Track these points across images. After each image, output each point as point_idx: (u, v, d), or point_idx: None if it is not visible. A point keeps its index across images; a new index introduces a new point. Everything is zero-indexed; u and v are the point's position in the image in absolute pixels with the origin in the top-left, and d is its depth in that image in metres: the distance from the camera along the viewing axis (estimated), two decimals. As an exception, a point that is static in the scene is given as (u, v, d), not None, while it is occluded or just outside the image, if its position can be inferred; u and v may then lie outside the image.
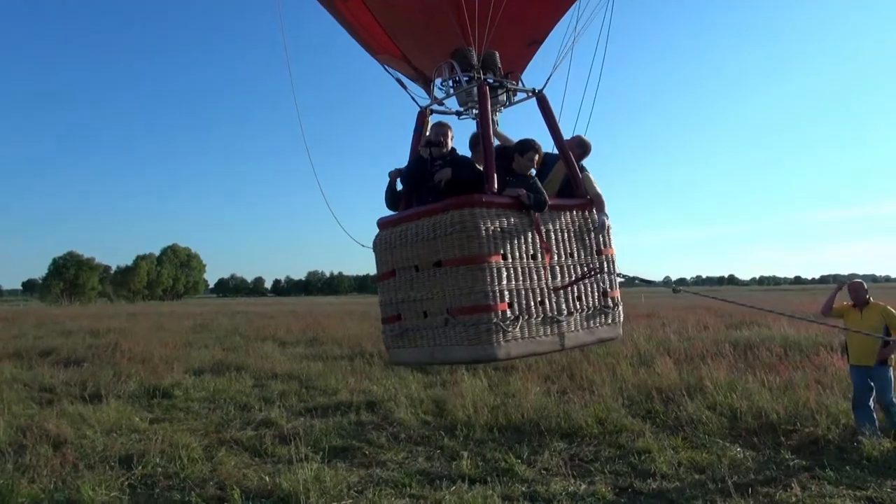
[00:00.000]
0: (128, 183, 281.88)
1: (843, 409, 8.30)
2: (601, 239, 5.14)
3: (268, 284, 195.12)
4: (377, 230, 5.10)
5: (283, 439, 8.40)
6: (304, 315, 37.26)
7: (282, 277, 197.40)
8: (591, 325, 4.98)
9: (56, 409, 10.15)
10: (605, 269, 5.13)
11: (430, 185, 4.85)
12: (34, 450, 7.53)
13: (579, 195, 5.16)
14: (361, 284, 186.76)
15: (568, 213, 4.96)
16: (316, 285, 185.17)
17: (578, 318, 4.86)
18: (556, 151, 5.38)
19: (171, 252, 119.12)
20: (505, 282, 4.40)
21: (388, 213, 5.19)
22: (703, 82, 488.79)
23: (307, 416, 10.00)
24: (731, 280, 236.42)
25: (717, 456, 7.34)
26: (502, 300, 4.36)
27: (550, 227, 4.80)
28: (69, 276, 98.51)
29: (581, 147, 5.50)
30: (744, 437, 8.01)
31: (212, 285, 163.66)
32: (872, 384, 7.72)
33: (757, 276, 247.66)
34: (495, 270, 4.36)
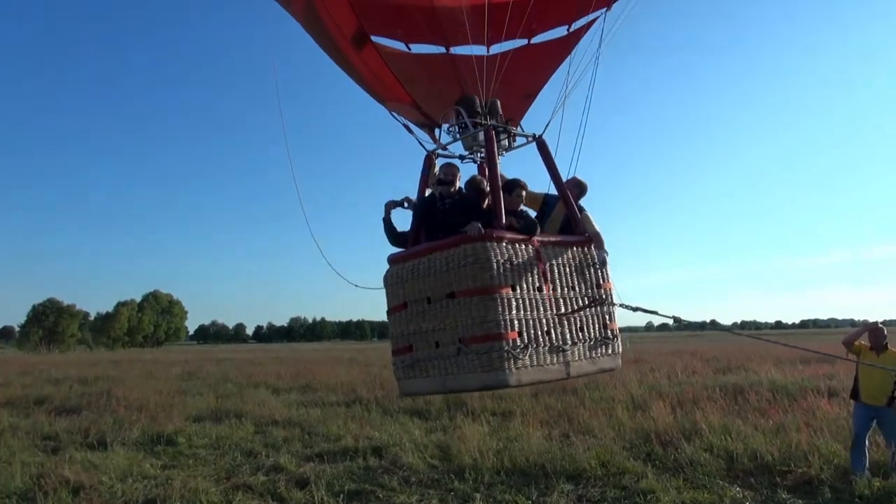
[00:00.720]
0: (108, 228, 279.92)
1: (834, 451, 8.69)
2: (601, 274, 5.44)
3: (249, 331, 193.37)
4: (388, 266, 5.38)
5: (296, 484, 8.59)
6: (291, 362, 37.20)
7: (263, 323, 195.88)
8: (594, 355, 5.24)
9: (64, 457, 10.23)
10: (607, 300, 5.41)
11: (440, 222, 5.21)
12: (55, 496, 7.67)
13: (579, 233, 5.50)
14: (344, 330, 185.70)
15: (569, 250, 5.29)
16: (298, 331, 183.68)
17: (582, 348, 5.12)
18: (555, 192, 5.74)
19: (152, 298, 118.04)
20: (515, 312, 4.65)
21: (392, 248, 5.54)
22: (688, 133, 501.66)
23: (315, 461, 10.18)
24: (714, 324, 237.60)
25: (718, 496, 7.66)
26: (513, 329, 4.60)
27: (553, 262, 5.08)
28: (48, 323, 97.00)
29: (578, 187, 5.87)
30: (741, 477, 8.36)
31: (192, 332, 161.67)
32: (876, 424, 8.13)
33: (738, 321, 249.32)
34: (506, 301, 4.62)
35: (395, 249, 5.52)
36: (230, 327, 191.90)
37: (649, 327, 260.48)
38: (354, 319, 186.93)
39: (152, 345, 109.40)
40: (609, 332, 5.41)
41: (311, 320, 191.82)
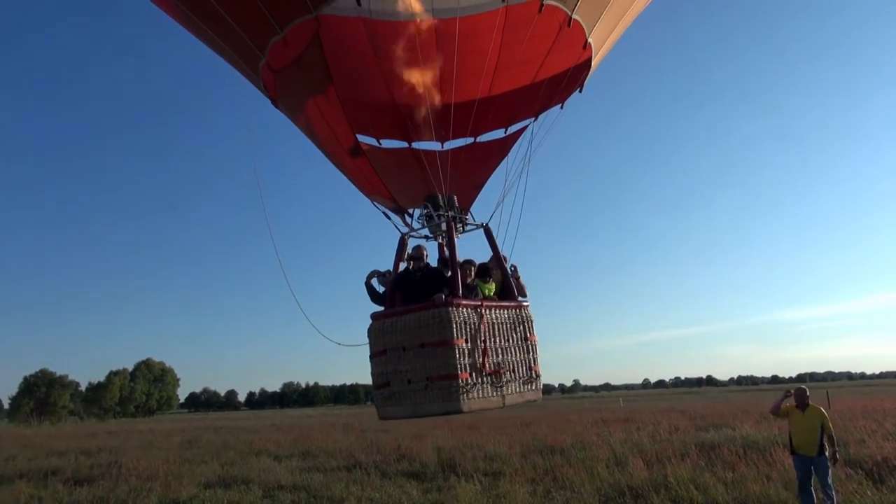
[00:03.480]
0: (96, 297, 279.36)
1: (783, 498, 9.83)
2: (528, 328, 7.03)
3: (241, 397, 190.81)
4: (371, 321, 6.79)
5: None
6: (288, 429, 37.69)
7: (256, 390, 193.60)
8: (522, 390, 6.81)
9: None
10: (531, 350, 7.01)
11: (413, 289, 6.74)
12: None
13: (512, 298, 7.11)
14: (338, 394, 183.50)
15: (506, 311, 6.85)
16: (291, 397, 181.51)
17: (514, 385, 6.69)
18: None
19: (144, 367, 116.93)
20: (467, 358, 6.18)
21: (373, 306, 6.99)
22: (672, 183, 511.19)
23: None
24: (710, 381, 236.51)
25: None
26: (464, 371, 6.11)
27: (494, 319, 6.63)
28: (40, 394, 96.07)
29: (506, 262, 7.50)
30: (701, 524, 9.45)
31: (182, 399, 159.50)
32: (813, 471, 9.31)
33: (735, 376, 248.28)
34: (461, 350, 6.13)
35: (374, 307, 7.00)
36: (222, 394, 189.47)
37: (646, 384, 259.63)
38: (348, 383, 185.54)
39: (144, 414, 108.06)
40: (534, 373, 6.98)
41: (304, 385, 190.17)
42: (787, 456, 13.43)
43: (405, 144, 7.74)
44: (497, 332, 6.63)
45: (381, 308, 6.94)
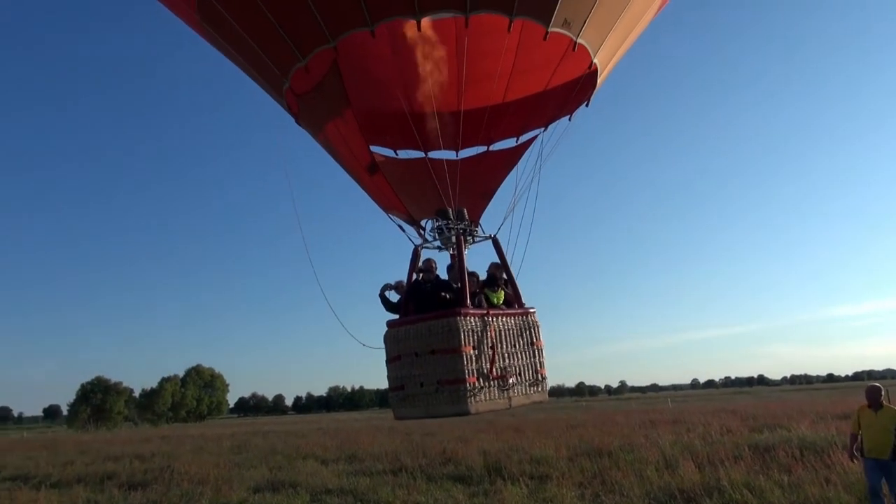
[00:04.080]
0: (148, 306, 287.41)
1: (845, 502, 9.41)
2: (535, 334, 7.37)
3: (288, 401, 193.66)
4: (386, 328, 7.22)
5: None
6: (334, 432, 38.00)
7: (302, 394, 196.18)
8: (528, 392, 7.17)
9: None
10: (537, 355, 7.34)
11: (423, 299, 7.24)
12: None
13: (520, 305, 7.51)
14: (383, 398, 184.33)
15: (512, 318, 7.23)
16: (337, 401, 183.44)
17: (520, 387, 7.05)
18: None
19: (195, 373, 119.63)
20: (474, 364, 6.59)
21: (388, 314, 7.41)
22: (724, 176, 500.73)
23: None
24: (761, 380, 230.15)
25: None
26: (472, 375, 6.53)
27: (501, 328, 6.99)
28: (96, 400, 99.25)
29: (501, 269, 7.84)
30: (758, 529, 9.13)
31: (231, 404, 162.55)
32: (885, 476, 8.87)
33: (788, 375, 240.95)
34: (469, 356, 6.56)
35: (390, 315, 7.44)
36: (269, 399, 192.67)
37: (695, 384, 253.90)
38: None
39: (195, 419, 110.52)
40: (540, 375, 7.34)
41: (349, 389, 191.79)
42: (847, 458, 12.99)
43: (421, 154, 8.06)
44: (504, 339, 7.03)
45: (396, 316, 7.41)
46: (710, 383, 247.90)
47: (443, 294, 7.23)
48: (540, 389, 7.33)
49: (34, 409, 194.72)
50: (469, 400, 6.45)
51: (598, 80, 8.14)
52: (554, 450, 18.59)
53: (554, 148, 8.34)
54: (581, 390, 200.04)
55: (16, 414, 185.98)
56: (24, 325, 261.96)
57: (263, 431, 45.66)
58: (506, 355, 6.99)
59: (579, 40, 7.39)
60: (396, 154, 8.30)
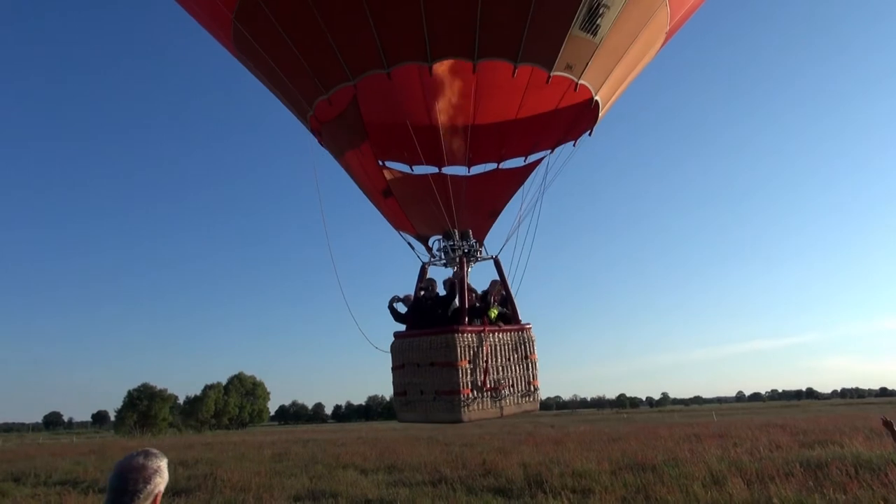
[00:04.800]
0: (191, 315, 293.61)
1: (906, 524, 8.97)
2: (529, 348, 7.94)
3: (328, 410, 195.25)
4: (393, 339, 7.97)
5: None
6: (373, 442, 38.03)
7: (342, 403, 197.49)
8: (520, 402, 7.70)
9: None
10: (530, 368, 7.92)
11: (425, 314, 8.00)
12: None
13: (516, 321, 8.10)
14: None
15: (507, 334, 7.82)
16: (376, 410, 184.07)
17: (512, 398, 7.62)
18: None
19: (237, 381, 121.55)
20: (469, 376, 7.22)
21: (397, 325, 8.13)
22: (769, 188, 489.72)
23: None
24: (810, 393, 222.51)
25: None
26: (466, 387, 7.16)
27: (496, 342, 7.61)
28: (142, 407, 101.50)
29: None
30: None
31: (272, 412, 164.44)
32: None
33: (838, 389, 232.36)
34: (464, 370, 7.19)
35: (398, 326, 8.17)
36: (309, 407, 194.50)
37: (740, 397, 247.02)
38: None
39: (237, 426, 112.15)
40: (532, 387, 7.89)
41: (388, 398, 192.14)
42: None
43: (436, 170, 8.66)
44: (498, 353, 7.59)
45: (403, 326, 8.12)
46: (755, 396, 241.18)
47: (440, 311, 8.01)
48: (532, 400, 7.86)
49: (83, 415, 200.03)
50: (462, 409, 7.08)
51: (600, 114, 8.65)
52: (596, 463, 18.26)
53: (559, 171, 8.91)
54: (622, 402, 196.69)
55: (66, 419, 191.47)
56: (75, 332, 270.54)
57: (303, 440, 45.99)
58: (500, 368, 7.57)
59: (581, 81, 7.90)
60: (412, 169, 8.89)
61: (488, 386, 7.30)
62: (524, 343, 7.90)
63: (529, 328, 8.03)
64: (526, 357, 7.84)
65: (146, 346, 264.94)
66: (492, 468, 18.73)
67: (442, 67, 7.38)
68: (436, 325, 7.66)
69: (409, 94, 7.70)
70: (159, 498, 2.91)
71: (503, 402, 7.46)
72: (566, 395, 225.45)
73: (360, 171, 8.94)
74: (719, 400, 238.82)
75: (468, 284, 8.15)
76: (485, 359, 7.35)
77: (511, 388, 7.58)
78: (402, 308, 8.25)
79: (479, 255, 8.46)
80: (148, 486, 2.83)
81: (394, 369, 7.84)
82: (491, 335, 7.53)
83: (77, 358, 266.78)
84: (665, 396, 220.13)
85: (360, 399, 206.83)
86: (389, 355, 8.05)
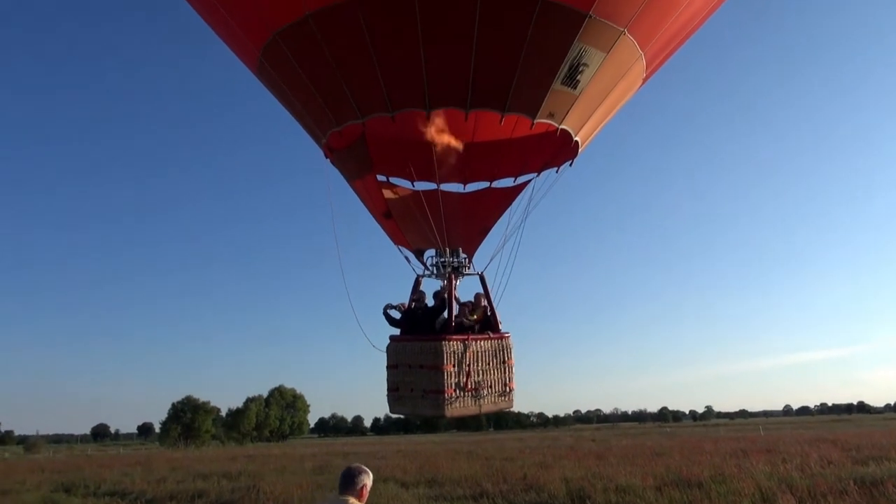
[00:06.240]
0: (233, 328, 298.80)
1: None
2: (507, 354, 8.91)
3: (367, 422, 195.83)
4: (389, 341, 8.98)
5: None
6: (413, 455, 38.00)
7: (381, 415, 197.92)
8: (497, 400, 8.69)
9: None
10: (507, 371, 8.87)
11: (416, 322, 9.02)
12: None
13: (496, 330, 9.02)
14: (460, 421, 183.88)
15: (488, 342, 8.79)
16: (415, 423, 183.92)
17: (490, 397, 8.60)
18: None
19: (277, 393, 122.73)
20: (453, 378, 8.24)
21: (392, 329, 9.10)
22: (818, 197, 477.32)
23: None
24: (862, 407, 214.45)
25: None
26: (450, 388, 8.17)
27: (479, 350, 8.59)
28: (186, 419, 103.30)
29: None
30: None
31: (312, 424, 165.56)
32: None
33: (892, 402, 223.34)
34: (448, 373, 8.20)
35: (393, 329, 9.13)
36: (349, 419, 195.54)
37: (787, 411, 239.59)
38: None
39: (278, 439, 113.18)
40: (507, 388, 8.86)
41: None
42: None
43: (434, 186, 9.40)
44: (480, 358, 8.56)
45: (397, 330, 9.11)
46: (804, 410, 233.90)
47: (428, 321, 8.96)
48: (507, 399, 8.86)
49: (129, 427, 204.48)
50: (446, 406, 8.10)
51: (580, 150, 9.63)
52: (640, 478, 17.94)
53: (544, 195, 9.86)
54: (664, 416, 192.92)
55: (113, 430, 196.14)
56: (121, 346, 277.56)
57: (344, 452, 46.22)
58: (481, 371, 8.55)
59: (562, 126, 8.89)
60: (413, 185, 9.86)
61: (469, 387, 8.33)
62: (503, 350, 8.90)
63: (508, 337, 9.04)
64: (504, 362, 8.85)
65: (190, 360, 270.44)
66: (533, 483, 18.55)
67: (438, 113, 8.53)
68: (425, 333, 8.70)
69: (410, 131, 8.81)
70: (366, 489, 4.93)
71: (482, 400, 8.46)
72: (606, 409, 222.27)
73: (364, 194, 10.25)
74: (766, 413, 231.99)
75: (456, 296, 9.13)
76: (467, 364, 8.37)
77: (489, 389, 8.60)
78: (395, 314, 9.23)
79: (466, 270, 9.48)
80: (358, 478, 4.93)
81: (388, 368, 8.90)
82: (474, 343, 8.56)
83: (123, 371, 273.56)
84: (709, 410, 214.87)
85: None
86: (385, 354, 9.10)
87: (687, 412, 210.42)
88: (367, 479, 4.96)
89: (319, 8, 7.99)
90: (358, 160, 9.53)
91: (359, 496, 4.87)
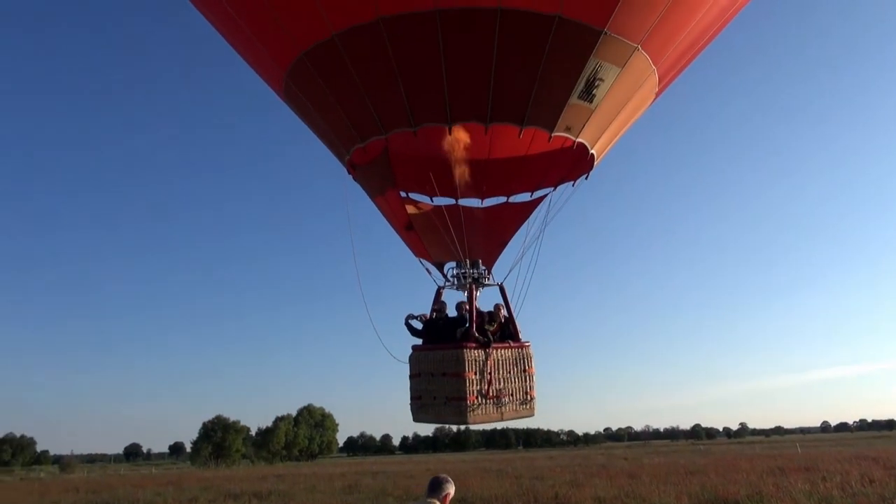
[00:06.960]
0: (262, 349, 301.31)
1: None
2: (528, 363, 9.04)
3: (395, 441, 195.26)
4: (411, 351, 9.10)
5: None
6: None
7: (409, 434, 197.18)
8: (518, 408, 8.79)
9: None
10: (528, 380, 8.99)
11: (437, 332, 9.13)
12: None
13: (516, 340, 9.16)
14: (489, 439, 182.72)
15: (509, 350, 8.95)
16: (444, 441, 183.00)
17: (511, 405, 8.70)
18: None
19: (306, 413, 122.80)
20: (475, 386, 8.35)
21: (413, 339, 9.23)
22: (855, 209, 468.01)
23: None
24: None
25: None
26: (472, 395, 8.28)
27: (500, 358, 8.73)
28: (216, 438, 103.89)
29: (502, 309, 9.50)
30: None
31: (341, 444, 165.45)
32: None
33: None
34: (470, 380, 8.33)
35: (415, 340, 9.26)
36: (377, 438, 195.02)
37: (825, 427, 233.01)
38: (499, 428, 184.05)
39: (307, 458, 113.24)
40: (528, 396, 8.97)
41: (455, 430, 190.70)
42: None
43: (453, 201, 9.68)
44: (501, 367, 8.68)
45: (419, 340, 9.23)
46: (842, 426, 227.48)
47: (449, 330, 9.01)
48: (528, 407, 8.96)
49: (161, 446, 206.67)
50: (468, 413, 8.18)
51: (595, 163, 9.81)
52: (674, 497, 17.57)
53: (560, 209, 10.02)
54: (697, 433, 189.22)
55: (145, 450, 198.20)
56: (154, 366, 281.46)
57: (373, 471, 45.99)
58: (502, 380, 8.65)
59: (578, 140, 9.13)
60: (432, 200, 10.00)
61: (491, 395, 8.43)
62: (523, 359, 9.03)
63: (528, 346, 9.18)
64: (524, 370, 8.95)
65: (220, 380, 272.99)
66: (565, 502, 18.27)
67: (459, 128, 8.73)
68: (447, 342, 8.80)
69: (431, 145, 9.02)
70: (449, 497, 5.35)
71: (504, 408, 8.56)
72: (638, 426, 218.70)
73: (386, 208, 10.47)
74: (802, 430, 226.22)
75: (476, 307, 9.23)
76: (489, 371, 8.49)
77: (511, 397, 8.69)
78: (417, 324, 9.37)
79: (485, 281, 9.58)
80: (444, 485, 5.37)
81: (411, 377, 8.98)
82: (495, 351, 8.67)
83: (155, 391, 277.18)
84: (744, 427, 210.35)
85: (427, 430, 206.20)
86: (408, 365, 9.17)
87: (721, 429, 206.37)
88: (451, 488, 5.41)
89: (345, 28, 8.26)
90: (381, 176, 9.77)
91: (442, 502, 5.33)
